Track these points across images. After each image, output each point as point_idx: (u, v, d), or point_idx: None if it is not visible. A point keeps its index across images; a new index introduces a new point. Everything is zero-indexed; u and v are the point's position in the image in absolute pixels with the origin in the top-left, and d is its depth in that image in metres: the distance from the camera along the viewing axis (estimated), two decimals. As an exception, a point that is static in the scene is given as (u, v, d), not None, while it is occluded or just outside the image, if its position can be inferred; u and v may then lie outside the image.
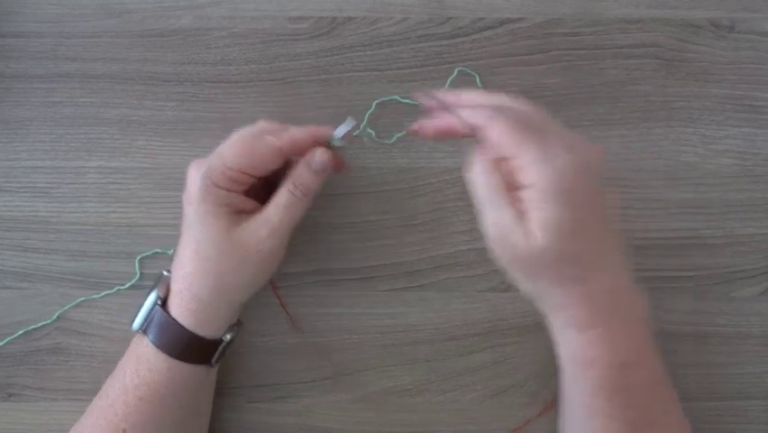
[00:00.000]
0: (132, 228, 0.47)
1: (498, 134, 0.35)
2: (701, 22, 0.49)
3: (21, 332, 0.46)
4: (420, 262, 0.47)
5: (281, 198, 0.39)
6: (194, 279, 0.39)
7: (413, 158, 0.48)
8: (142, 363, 0.39)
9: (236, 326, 0.42)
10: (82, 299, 0.47)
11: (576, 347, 0.37)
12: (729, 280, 0.47)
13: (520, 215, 0.34)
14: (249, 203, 0.40)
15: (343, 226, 0.47)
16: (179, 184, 0.47)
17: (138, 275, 0.47)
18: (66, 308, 0.46)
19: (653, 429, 0.37)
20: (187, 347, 0.39)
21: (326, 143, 0.41)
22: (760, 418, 0.46)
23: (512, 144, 0.34)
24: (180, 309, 0.39)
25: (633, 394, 0.37)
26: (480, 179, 0.36)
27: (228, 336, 0.41)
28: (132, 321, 0.41)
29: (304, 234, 0.47)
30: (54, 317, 0.46)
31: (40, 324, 0.46)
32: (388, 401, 0.47)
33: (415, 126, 0.39)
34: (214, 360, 0.41)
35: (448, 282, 0.47)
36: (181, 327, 0.39)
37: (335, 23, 0.49)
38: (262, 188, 0.42)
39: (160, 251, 0.47)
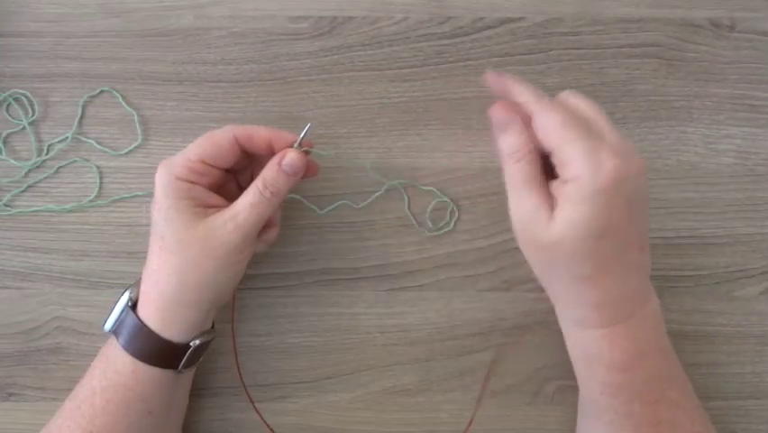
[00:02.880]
0: (132, 228, 0.47)
1: (552, 125, 0.35)
2: (702, 21, 0.49)
3: (21, 332, 0.46)
4: (420, 262, 0.47)
5: (249, 196, 0.39)
6: (159, 276, 0.38)
7: (413, 158, 0.48)
8: (110, 365, 0.39)
9: (207, 332, 0.41)
10: (82, 298, 0.47)
11: (580, 343, 0.39)
12: (730, 280, 0.47)
13: (545, 204, 0.35)
14: (214, 198, 0.40)
15: (343, 227, 0.47)
16: (179, 184, 0.47)
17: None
18: (66, 308, 0.46)
19: (662, 428, 0.38)
20: (153, 351, 0.39)
21: (291, 147, 0.40)
22: (760, 417, 0.46)
23: (562, 137, 0.35)
24: (147, 309, 0.39)
25: (636, 392, 0.37)
26: (515, 166, 0.36)
27: (197, 342, 0.40)
28: (104, 322, 0.40)
29: (304, 234, 0.47)
30: (54, 316, 0.46)
31: (40, 324, 0.46)
32: (388, 401, 0.47)
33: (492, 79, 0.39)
34: (180, 365, 0.40)
35: (448, 282, 0.47)
36: (148, 329, 0.38)
37: (336, 23, 0.49)
38: (237, 190, 0.43)
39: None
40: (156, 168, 0.47)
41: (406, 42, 0.49)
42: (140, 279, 0.40)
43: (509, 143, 0.37)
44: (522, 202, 0.36)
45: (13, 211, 0.47)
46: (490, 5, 0.49)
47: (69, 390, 0.46)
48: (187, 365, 0.40)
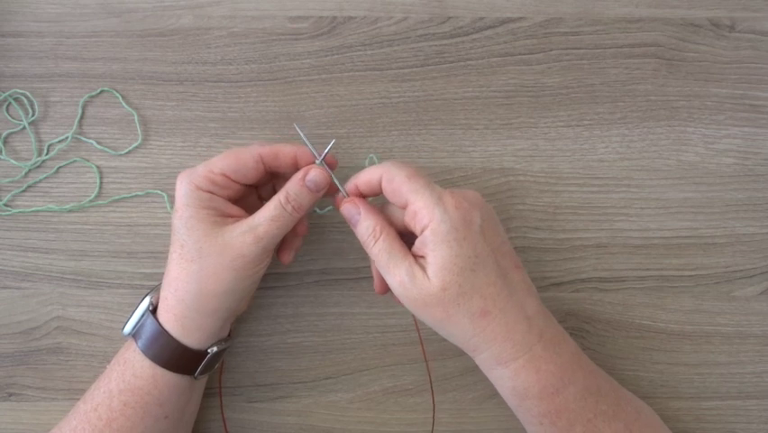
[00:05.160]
0: (132, 228, 0.47)
1: (400, 180, 0.38)
2: (702, 21, 0.49)
3: (21, 332, 0.46)
4: (420, 262, 0.47)
5: (271, 208, 0.39)
6: (178, 283, 0.39)
7: (413, 158, 0.48)
8: (128, 369, 0.39)
9: (224, 340, 0.42)
10: (82, 298, 0.47)
11: (507, 381, 0.38)
12: (729, 280, 0.47)
13: (417, 264, 0.37)
14: (234, 209, 0.40)
15: (343, 226, 0.47)
16: (179, 184, 0.47)
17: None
18: (66, 308, 0.46)
19: None
20: (172, 356, 0.39)
21: (313, 164, 0.40)
22: (760, 417, 0.46)
23: (410, 188, 0.37)
24: (167, 315, 0.39)
25: (573, 412, 0.38)
26: (377, 245, 0.38)
27: (214, 349, 0.40)
28: (124, 326, 0.41)
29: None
30: (54, 317, 0.46)
31: (40, 324, 0.46)
32: (388, 401, 0.47)
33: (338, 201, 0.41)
34: (197, 372, 0.40)
35: (448, 282, 0.47)
36: (168, 335, 0.39)
37: (336, 23, 0.49)
38: (258, 202, 0.43)
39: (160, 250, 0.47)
40: (155, 168, 0.47)
41: (406, 42, 0.49)
42: (159, 284, 0.41)
43: (365, 227, 0.39)
44: (396, 272, 0.37)
45: (13, 211, 0.47)
46: (490, 5, 0.49)
47: (70, 390, 0.46)
48: (203, 372, 0.41)
